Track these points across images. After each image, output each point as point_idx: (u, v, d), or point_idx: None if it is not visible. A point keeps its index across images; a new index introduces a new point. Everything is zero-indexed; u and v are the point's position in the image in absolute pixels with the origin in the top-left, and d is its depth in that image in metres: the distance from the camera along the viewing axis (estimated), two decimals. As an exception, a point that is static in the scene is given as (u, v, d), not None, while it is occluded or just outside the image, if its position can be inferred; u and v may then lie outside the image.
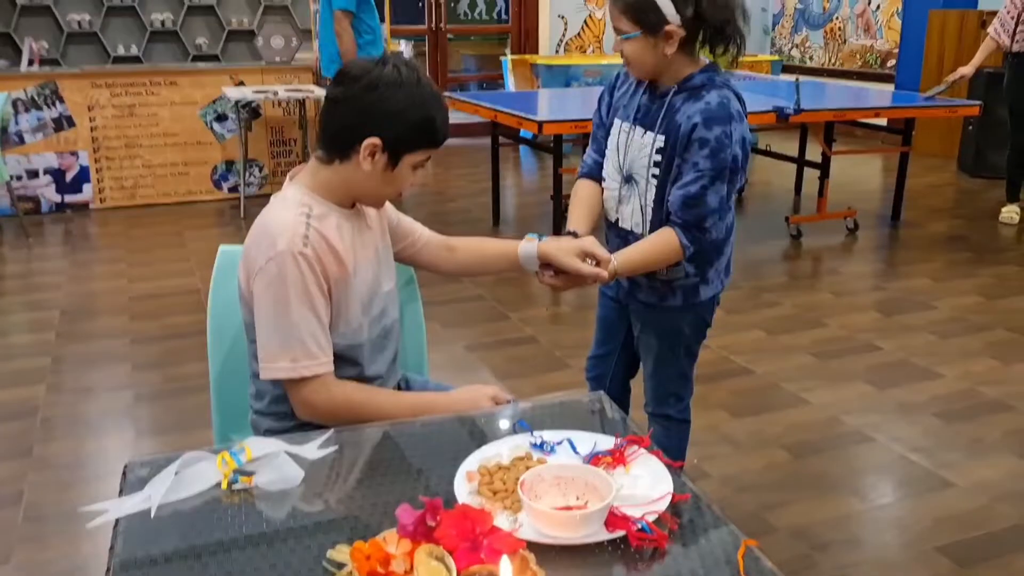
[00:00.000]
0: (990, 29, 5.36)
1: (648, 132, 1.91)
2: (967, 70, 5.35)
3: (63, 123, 5.92)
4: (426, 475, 1.30)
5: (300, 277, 1.53)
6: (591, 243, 1.85)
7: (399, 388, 1.84)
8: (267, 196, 6.32)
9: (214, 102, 6.27)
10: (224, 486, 1.23)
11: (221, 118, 6.34)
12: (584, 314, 4.11)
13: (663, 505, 1.16)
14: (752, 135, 1.93)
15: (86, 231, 5.63)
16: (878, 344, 3.72)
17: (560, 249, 1.82)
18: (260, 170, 6.48)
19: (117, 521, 1.17)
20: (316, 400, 1.57)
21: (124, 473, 1.28)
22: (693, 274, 1.98)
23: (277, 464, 1.25)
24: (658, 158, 1.89)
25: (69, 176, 6.01)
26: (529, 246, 1.82)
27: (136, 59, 7.68)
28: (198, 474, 1.23)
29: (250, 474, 1.25)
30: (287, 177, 1.70)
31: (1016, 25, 5.16)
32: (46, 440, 2.95)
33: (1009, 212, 5.59)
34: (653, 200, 1.92)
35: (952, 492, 2.61)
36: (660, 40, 1.79)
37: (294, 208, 1.58)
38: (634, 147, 1.94)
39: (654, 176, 1.91)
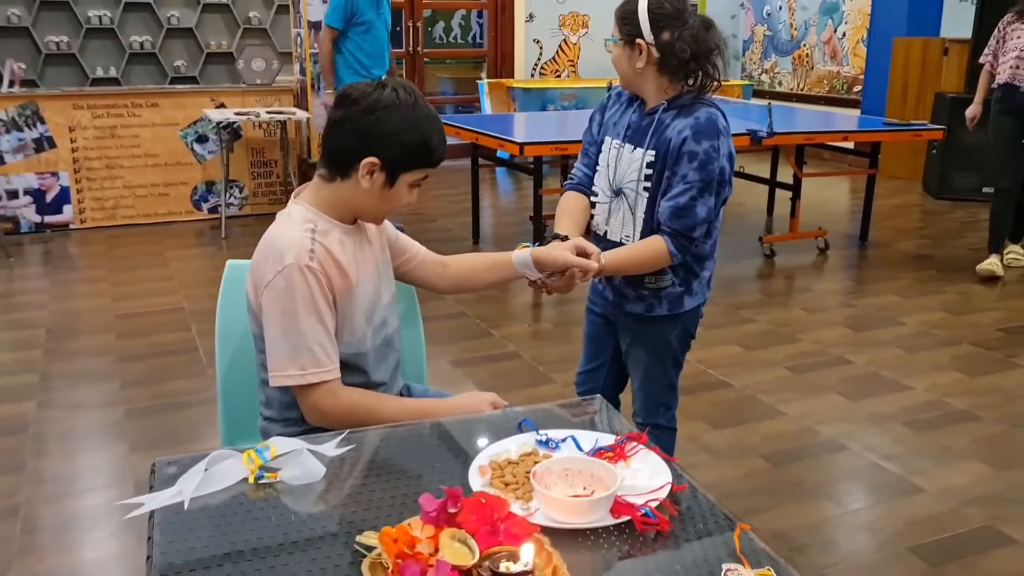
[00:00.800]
0: (983, 60, 5.21)
1: (638, 148, 2.02)
2: (976, 109, 5.24)
3: (44, 144, 5.95)
4: (440, 471, 1.38)
5: (307, 289, 1.61)
6: (581, 240, 1.95)
7: (401, 395, 1.92)
8: (248, 216, 6.37)
9: (195, 123, 6.33)
10: (251, 481, 1.31)
11: (202, 139, 6.40)
12: (565, 330, 4.21)
13: (663, 494, 1.26)
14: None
15: (67, 251, 5.65)
16: (849, 358, 3.85)
17: (553, 247, 1.92)
18: (241, 191, 6.53)
19: (152, 514, 1.24)
20: (324, 405, 1.65)
21: (153, 470, 1.35)
22: (678, 283, 2.08)
23: (301, 460, 1.33)
24: (649, 172, 2.00)
25: (49, 196, 6.02)
26: (523, 252, 1.91)
27: (114, 81, 7.72)
28: (226, 470, 1.31)
29: (275, 470, 1.32)
30: (292, 195, 1.78)
31: (997, 52, 5.04)
32: (39, 455, 2.98)
33: (990, 265, 5.04)
34: (644, 212, 2.02)
35: (922, 497, 2.73)
36: (634, 52, 1.95)
37: (299, 224, 1.67)
38: (624, 163, 2.05)
39: (645, 189, 2.01)
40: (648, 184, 2.00)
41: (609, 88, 7.33)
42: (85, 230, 6.10)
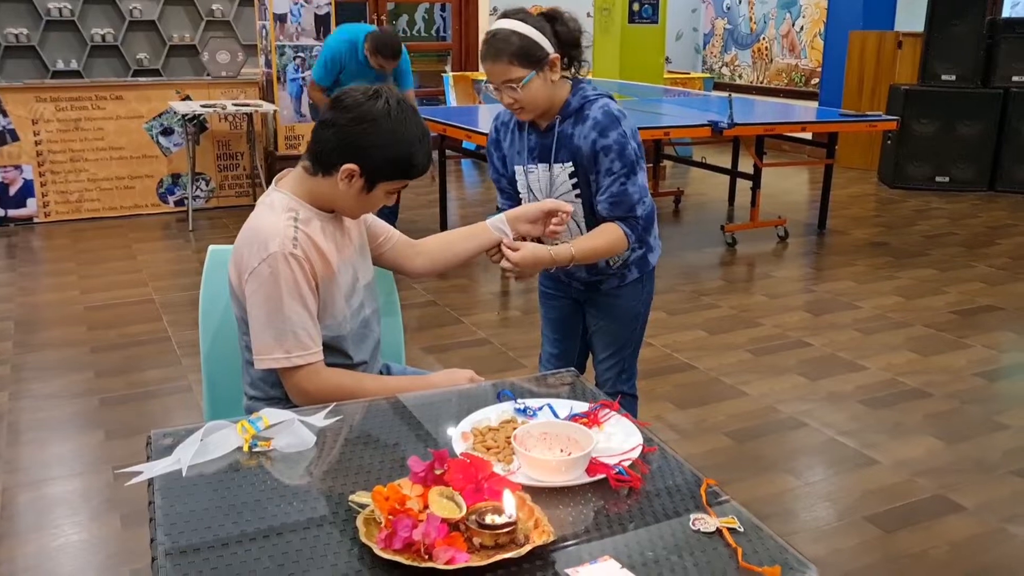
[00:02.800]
0: None
1: (555, 164, 2.10)
2: None
3: (6, 137, 5.90)
4: (424, 438, 1.46)
5: (291, 276, 1.68)
6: (549, 201, 2.01)
7: (381, 374, 1.99)
8: (215, 209, 6.37)
9: (160, 116, 6.32)
10: (245, 449, 1.37)
11: (167, 132, 6.38)
12: (532, 317, 4.30)
13: (635, 454, 1.35)
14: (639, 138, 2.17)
15: (32, 245, 5.62)
16: (808, 341, 3.99)
17: (527, 207, 2.00)
18: (207, 183, 6.53)
19: (151, 481, 1.30)
20: (308, 386, 1.71)
21: (149, 442, 1.41)
22: (638, 247, 2.22)
23: (293, 429, 1.40)
24: (574, 180, 2.11)
25: (12, 190, 5.98)
26: (496, 216, 1.99)
27: (76, 73, 7.66)
28: (221, 440, 1.38)
29: (268, 439, 1.39)
30: (272, 182, 1.84)
31: None
32: (14, 444, 3.01)
33: None
34: (584, 216, 2.15)
35: (877, 469, 2.86)
36: (547, 71, 2.01)
37: (282, 213, 1.73)
38: (542, 182, 2.14)
39: (577, 196, 2.13)
40: (578, 191, 2.11)
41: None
42: (49, 224, 6.07)
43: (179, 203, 6.43)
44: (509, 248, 1.93)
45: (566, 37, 2.05)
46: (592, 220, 2.14)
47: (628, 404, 2.32)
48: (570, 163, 2.09)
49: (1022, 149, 7.09)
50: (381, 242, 2.02)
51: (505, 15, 2.03)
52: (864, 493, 2.71)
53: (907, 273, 5.04)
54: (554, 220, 1.96)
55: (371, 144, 1.68)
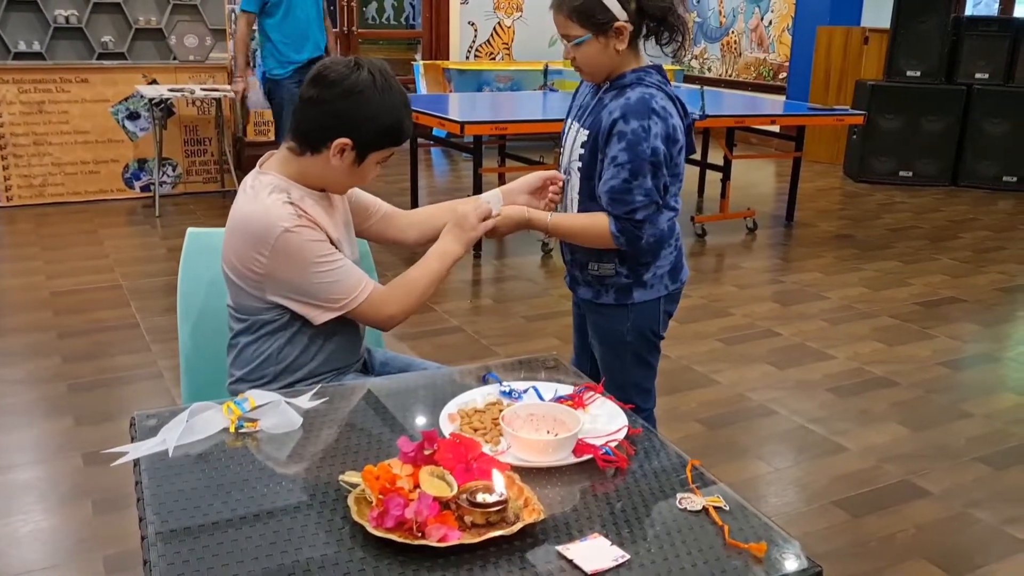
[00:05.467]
0: None
1: (582, 129, 1.97)
2: None
3: (-33, 119, 5.78)
4: (411, 420, 1.47)
5: (309, 239, 1.69)
6: (542, 173, 2.01)
7: (363, 359, 1.99)
8: (182, 195, 6.26)
9: (126, 100, 6.22)
10: (232, 430, 1.37)
11: (133, 116, 6.29)
12: (504, 306, 4.31)
13: (621, 436, 1.36)
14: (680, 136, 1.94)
15: (-6, 229, 5.52)
16: (777, 330, 4.04)
17: (523, 179, 1.99)
18: (174, 169, 6.45)
19: (137, 461, 1.29)
20: (384, 307, 1.78)
21: (133, 423, 1.40)
22: (624, 275, 1.98)
23: (279, 411, 1.40)
24: (581, 151, 1.94)
25: (-27, 173, 5.86)
26: (491, 191, 1.96)
27: (38, 55, 7.49)
28: (207, 421, 1.37)
29: (254, 420, 1.39)
30: (257, 164, 1.82)
31: None
32: (-19, 430, 2.96)
33: None
34: (579, 192, 1.97)
35: (845, 455, 2.91)
36: (611, 38, 1.84)
37: (274, 194, 1.71)
38: (569, 142, 2.02)
39: (579, 169, 1.95)
40: (580, 164, 1.95)
41: (546, 71, 7.33)
42: (12, 208, 5.96)
43: (145, 188, 6.34)
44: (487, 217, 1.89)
45: (651, 8, 1.85)
46: (585, 200, 1.96)
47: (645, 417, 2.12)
48: (587, 131, 1.92)
49: (984, 145, 7.23)
50: (369, 214, 2.02)
51: None
52: (833, 479, 2.77)
53: (872, 265, 5.12)
54: (551, 188, 1.95)
55: (362, 116, 1.68)
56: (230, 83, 6.59)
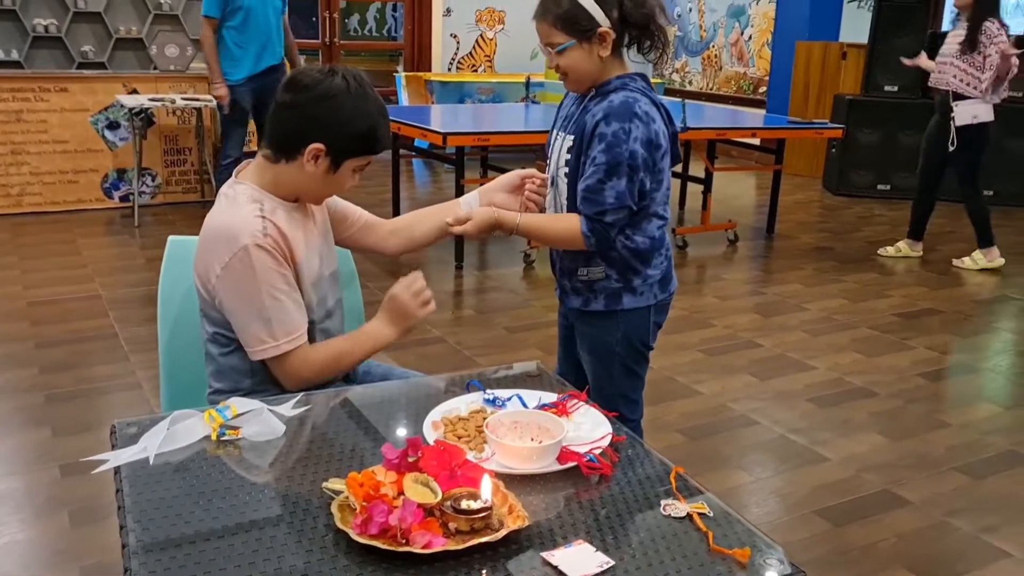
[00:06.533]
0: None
1: (568, 136, 1.99)
2: (923, 60, 5.42)
3: (-56, 127, 5.72)
4: (394, 428, 1.47)
5: (265, 265, 1.66)
6: (519, 171, 2.01)
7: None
8: (161, 205, 6.22)
9: (106, 109, 6.18)
10: (213, 438, 1.36)
11: (113, 126, 6.25)
12: (486, 316, 4.31)
13: (605, 443, 1.37)
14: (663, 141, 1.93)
15: (-30, 238, 5.46)
16: (758, 341, 4.06)
17: (500, 178, 2.00)
18: (153, 179, 6.41)
19: (117, 469, 1.28)
20: (301, 370, 1.71)
21: (113, 431, 1.39)
22: (615, 278, 1.98)
23: (262, 418, 1.39)
24: (568, 157, 1.95)
25: (-50, 182, 5.80)
26: (469, 193, 1.97)
27: (16, 64, 7.44)
28: (188, 428, 1.36)
29: (236, 428, 1.38)
30: (233, 174, 1.81)
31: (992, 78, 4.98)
32: (-44, 441, 2.92)
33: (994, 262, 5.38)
34: (567, 199, 1.97)
35: (826, 465, 2.93)
36: (595, 45, 1.87)
37: (248, 205, 1.70)
38: (555, 150, 2.04)
39: (566, 175, 1.96)
40: (567, 170, 1.96)
41: (528, 83, 7.36)
42: (-11, 217, 5.90)
43: (124, 198, 6.30)
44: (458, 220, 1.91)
45: (633, 16, 1.88)
46: (574, 207, 1.95)
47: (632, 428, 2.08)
48: (572, 136, 1.94)
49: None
50: (349, 224, 2.01)
51: None
52: (814, 488, 2.78)
53: (852, 277, 5.16)
54: (528, 186, 1.95)
55: (335, 120, 1.67)
56: (211, 92, 6.56)
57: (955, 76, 5.06)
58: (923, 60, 5.46)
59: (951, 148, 5.16)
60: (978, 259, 5.39)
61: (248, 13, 5.14)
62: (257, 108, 5.40)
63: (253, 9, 5.15)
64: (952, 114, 5.08)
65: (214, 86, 5.34)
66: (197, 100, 6.04)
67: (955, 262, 5.48)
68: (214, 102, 6.02)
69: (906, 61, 5.57)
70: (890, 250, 5.63)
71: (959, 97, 5.05)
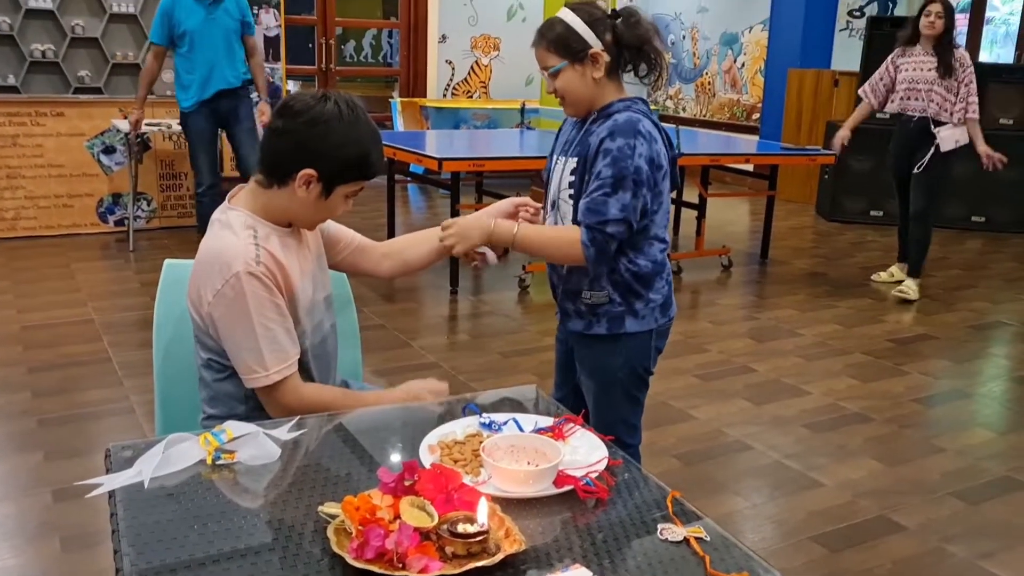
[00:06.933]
0: (861, 92, 5.47)
1: (570, 159, 2.00)
2: (845, 132, 5.40)
3: (-60, 151, 5.73)
4: (390, 452, 1.46)
5: (257, 293, 1.66)
6: (513, 199, 2.03)
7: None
8: (156, 230, 6.23)
9: (102, 134, 6.19)
10: (209, 462, 1.35)
11: (109, 150, 6.26)
12: (481, 341, 4.31)
13: (601, 467, 1.36)
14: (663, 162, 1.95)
15: (-36, 262, 5.45)
16: (753, 366, 4.07)
17: (496, 204, 2.01)
18: (149, 203, 6.42)
19: (112, 493, 1.27)
20: (290, 401, 1.70)
21: (107, 455, 1.38)
22: (618, 301, 1.99)
23: (257, 442, 1.39)
24: (572, 178, 1.97)
25: (-56, 206, 5.80)
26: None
27: (13, 89, 7.47)
28: (183, 452, 1.35)
29: (232, 451, 1.38)
30: (226, 199, 1.82)
31: (888, 90, 5.28)
32: (-53, 465, 2.90)
33: (909, 289, 5.25)
34: (570, 220, 1.97)
35: (821, 491, 2.92)
36: (587, 66, 1.91)
37: (241, 231, 1.70)
38: (556, 174, 2.05)
39: (570, 197, 1.97)
40: (571, 191, 1.98)
41: (523, 109, 7.41)
42: (-17, 241, 5.89)
43: (119, 223, 6.30)
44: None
45: (626, 37, 1.91)
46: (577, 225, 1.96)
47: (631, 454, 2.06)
48: (575, 158, 1.96)
49: (952, 186, 7.35)
50: (342, 247, 2.01)
51: (567, 4, 1.97)
52: (809, 514, 2.77)
53: (846, 302, 5.18)
54: (521, 214, 1.97)
55: (327, 146, 1.67)
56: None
57: (935, 102, 5.07)
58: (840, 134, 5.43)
59: (927, 171, 5.13)
60: (912, 288, 5.24)
61: (192, 41, 5.02)
62: (228, 130, 5.37)
63: (198, 34, 5.01)
64: (937, 140, 5.05)
65: (132, 110, 5.41)
66: (193, 125, 6.05)
67: (875, 276, 5.60)
68: (129, 123, 6.00)
69: (838, 137, 5.43)
70: (883, 275, 5.65)
71: (937, 123, 5.07)
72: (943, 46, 5.00)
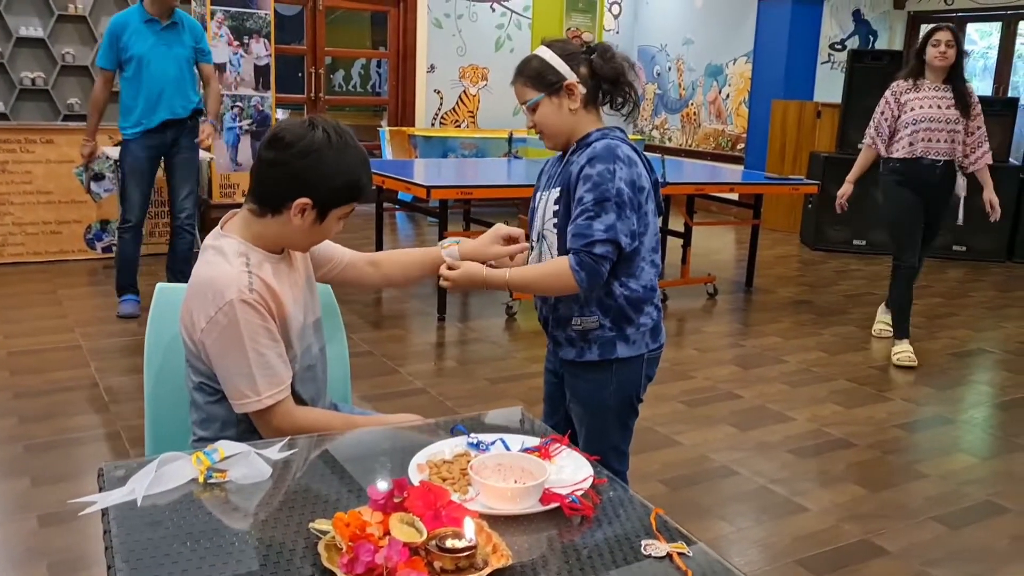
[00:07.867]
0: (866, 139, 4.76)
1: (553, 190, 2.05)
2: (847, 189, 4.94)
3: (-72, 177, 5.73)
4: (379, 471, 1.48)
5: (251, 320, 1.69)
6: (502, 227, 2.07)
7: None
8: (144, 256, 6.24)
9: (91, 161, 6.20)
10: (201, 480, 1.37)
11: (98, 177, 6.27)
12: (468, 368, 4.33)
13: (586, 485, 1.39)
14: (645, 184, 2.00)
15: (-49, 288, 5.44)
16: (738, 393, 4.10)
17: (480, 243, 2.05)
18: (137, 230, 6.41)
19: (105, 511, 1.29)
20: (283, 425, 1.73)
21: (101, 474, 1.40)
22: (608, 327, 2.02)
23: (249, 461, 1.41)
24: (556, 208, 2.01)
25: (-68, 232, 5.79)
26: (452, 249, 2.03)
27: (3, 116, 7.49)
28: (176, 471, 1.37)
29: (223, 470, 1.40)
30: (218, 225, 1.84)
31: (892, 128, 4.59)
32: (-68, 491, 2.89)
33: (904, 351, 4.62)
34: (556, 250, 2.01)
35: (806, 515, 2.95)
36: (563, 98, 1.98)
37: (234, 259, 1.73)
38: (540, 208, 2.09)
39: (555, 226, 2.01)
40: (555, 220, 2.01)
41: (510, 139, 7.48)
42: (-30, 268, 5.89)
43: (107, 249, 6.30)
44: (449, 268, 1.99)
45: (601, 70, 1.99)
46: (564, 254, 1.99)
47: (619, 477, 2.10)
48: (558, 189, 2.01)
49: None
50: (333, 265, 2.06)
51: (543, 41, 2.05)
52: (794, 538, 2.79)
53: (830, 330, 5.23)
54: (512, 247, 2.03)
55: (320, 175, 1.71)
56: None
57: (957, 143, 4.47)
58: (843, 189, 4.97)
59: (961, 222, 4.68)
60: (906, 353, 4.63)
61: (140, 66, 4.63)
62: (167, 159, 4.96)
63: (146, 60, 4.63)
64: (957, 187, 4.60)
65: (84, 142, 5.05)
66: (183, 153, 6.08)
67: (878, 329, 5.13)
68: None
69: (841, 195, 4.98)
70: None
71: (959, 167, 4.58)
72: (956, 79, 4.43)
